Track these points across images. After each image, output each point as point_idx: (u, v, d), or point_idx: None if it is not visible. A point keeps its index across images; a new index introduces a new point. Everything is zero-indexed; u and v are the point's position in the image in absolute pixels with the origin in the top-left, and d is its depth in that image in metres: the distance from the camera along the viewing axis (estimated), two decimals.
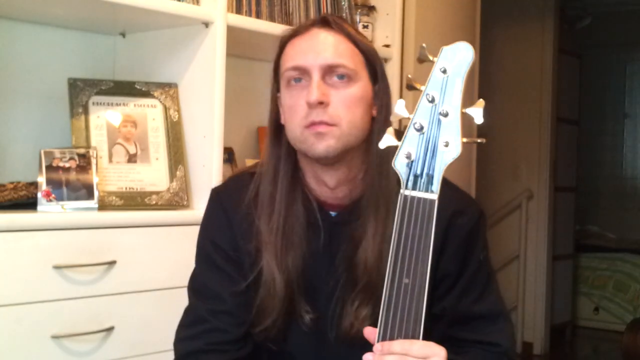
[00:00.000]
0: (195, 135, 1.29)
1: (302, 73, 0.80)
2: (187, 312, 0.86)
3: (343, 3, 1.60)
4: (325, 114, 0.78)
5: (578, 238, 3.62)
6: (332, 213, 0.84)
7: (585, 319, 3.52)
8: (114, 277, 1.09)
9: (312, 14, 1.52)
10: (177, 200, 1.25)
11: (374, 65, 0.83)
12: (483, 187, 2.75)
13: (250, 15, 1.38)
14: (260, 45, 1.50)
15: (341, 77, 0.79)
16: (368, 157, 0.82)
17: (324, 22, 0.83)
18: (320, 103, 0.77)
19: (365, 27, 1.65)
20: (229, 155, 1.46)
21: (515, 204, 3.20)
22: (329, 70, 0.79)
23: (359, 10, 1.65)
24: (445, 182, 0.65)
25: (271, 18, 1.42)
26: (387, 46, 1.68)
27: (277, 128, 0.85)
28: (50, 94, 1.30)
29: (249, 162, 1.52)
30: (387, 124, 0.78)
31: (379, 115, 0.82)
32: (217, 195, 0.89)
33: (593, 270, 3.57)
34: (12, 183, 1.13)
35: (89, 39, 1.38)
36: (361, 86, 0.81)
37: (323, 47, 0.80)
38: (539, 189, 3.17)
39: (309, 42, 0.81)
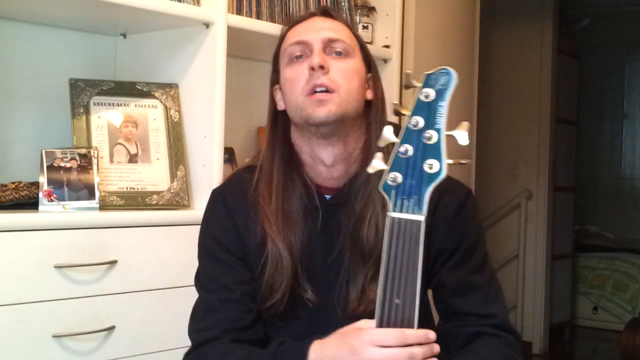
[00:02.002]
0: (195, 135, 1.30)
1: (303, 48, 0.85)
2: (198, 304, 0.88)
3: (343, 4, 1.60)
4: (326, 78, 0.82)
5: (577, 238, 3.63)
6: (327, 196, 0.87)
7: (584, 318, 3.53)
8: (115, 277, 1.09)
9: None
10: (178, 200, 1.26)
11: (368, 55, 0.90)
12: (482, 187, 2.76)
13: (250, 16, 1.38)
14: (260, 46, 1.50)
15: (339, 53, 0.85)
16: (364, 134, 0.86)
17: (324, 11, 0.90)
18: (321, 67, 0.82)
19: (365, 27, 1.65)
20: (229, 156, 1.47)
21: (515, 203, 3.20)
22: (328, 44, 0.85)
23: (359, 11, 1.65)
24: None
25: (271, 19, 1.42)
26: (387, 47, 1.69)
27: (274, 115, 0.89)
28: (51, 94, 1.30)
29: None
30: (383, 110, 0.86)
31: (374, 100, 0.87)
32: (219, 192, 0.91)
33: (592, 269, 3.58)
34: (13, 183, 1.14)
35: (90, 40, 1.38)
36: (357, 62, 0.86)
37: (323, 26, 0.87)
38: (538, 189, 3.18)
39: (310, 24, 0.88)
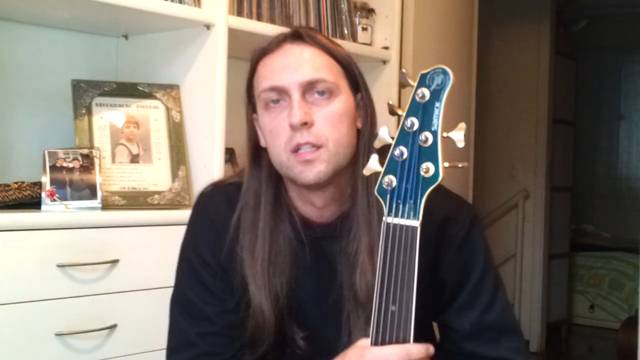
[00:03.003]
0: (197, 136, 1.31)
1: (280, 93, 0.75)
2: (174, 333, 0.82)
3: (342, 5, 1.61)
4: (310, 134, 0.73)
5: (574, 237, 3.64)
6: (317, 229, 0.81)
7: (581, 316, 3.55)
8: (116, 276, 1.10)
9: (312, 16, 1.53)
10: (179, 200, 1.27)
11: (354, 75, 0.79)
12: (480, 187, 2.78)
13: (251, 18, 1.39)
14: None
15: (322, 93, 0.75)
16: (355, 171, 0.78)
17: (296, 35, 0.77)
18: (304, 124, 0.73)
19: (364, 29, 1.66)
20: (230, 156, 1.47)
21: (512, 203, 3.22)
22: (308, 87, 0.74)
23: (358, 13, 1.66)
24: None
25: (272, 20, 1.43)
26: (386, 48, 1.70)
27: (256, 151, 0.81)
28: (54, 95, 1.31)
29: None
30: (374, 135, 0.75)
31: (364, 127, 0.78)
32: (204, 205, 0.84)
33: (588, 268, 3.60)
34: (16, 183, 1.14)
35: (92, 41, 1.39)
36: (343, 100, 0.76)
37: (299, 63, 0.75)
38: (535, 188, 3.20)
39: (283, 59, 0.76)
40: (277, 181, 0.80)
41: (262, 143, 0.81)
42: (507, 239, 3.19)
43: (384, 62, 1.68)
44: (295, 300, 0.79)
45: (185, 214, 1.25)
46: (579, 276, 3.60)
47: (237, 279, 0.79)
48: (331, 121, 0.75)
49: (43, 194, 1.11)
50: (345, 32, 1.61)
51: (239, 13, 1.37)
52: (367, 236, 0.76)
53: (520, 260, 3.18)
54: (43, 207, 1.11)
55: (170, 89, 1.33)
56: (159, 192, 1.25)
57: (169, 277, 1.17)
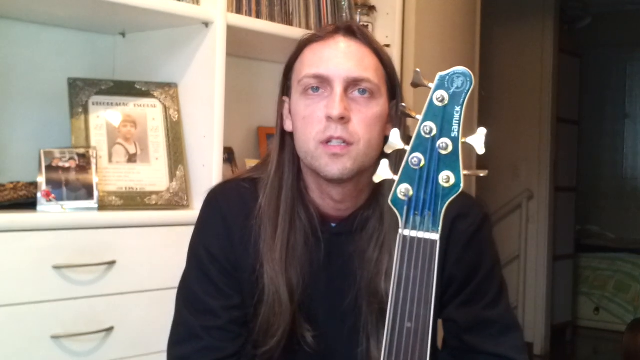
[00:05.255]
0: (195, 135, 1.29)
1: (322, 82, 0.75)
2: (178, 325, 0.83)
3: (343, 3, 1.59)
4: (345, 130, 0.73)
5: (578, 238, 3.62)
6: (332, 224, 0.81)
7: (586, 319, 3.52)
8: (113, 277, 1.09)
9: (312, 14, 1.52)
10: (177, 200, 1.25)
11: (394, 82, 0.80)
12: (483, 187, 2.75)
13: (250, 15, 1.38)
14: (260, 45, 1.49)
15: (363, 91, 0.75)
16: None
17: (349, 30, 0.77)
18: (342, 118, 0.73)
19: (365, 27, 1.65)
20: (228, 155, 1.46)
21: (516, 204, 3.20)
22: (352, 83, 0.75)
23: (359, 10, 1.64)
24: None
25: (271, 18, 1.42)
26: (387, 46, 1.68)
27: (282, 137, 0.81)
28: (50, 93, 1.30)
29: (249, 163, 1.52)
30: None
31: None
32: (216, 200, 0.84)
33: (593, 270, 3.57)
34: (11, 183, 1.13)
35: (89, 39, 1.37)
36: (381, 103, 0.77)
37: (348, 57, 0.75)
38: (539, 189, 3.18)
39: (333, 50, 0.76)
40: (297, 171, 0.80)
41: (287, 127, 0.80)
42: (511, 240, 3.16)
43: None
44: (308, 296, 0.78)
45: (183, 215, 1.25)
46: (583, 278, 3.57)
47: (247, 275, 0.79)
48: (367, 122, 0.75)
49: (39, 194, 1.10)
50: None
51: (238, 10, 1.36)
52: (393, 234, 0.74)
53: (524, 262, 3.16)
54: (39, 207, 1.10)
55: (168, 88, 1.32)
56: (156, 192, 1.23)
57: (167, 278, 1.16)
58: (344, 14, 1.60)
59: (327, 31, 0.78)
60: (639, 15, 3.87)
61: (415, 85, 0.62)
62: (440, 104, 0.61)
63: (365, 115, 0.75)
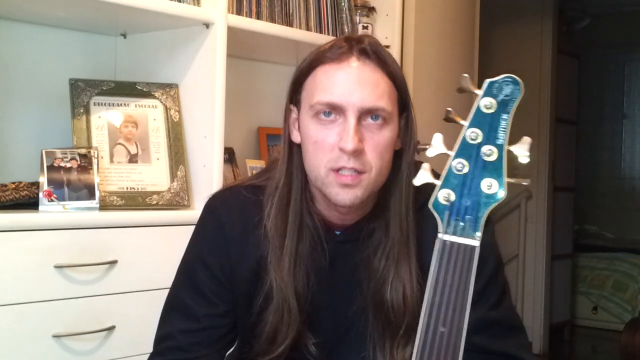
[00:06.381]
0: (196, 135, 1.30)
1: (335, 109, 0.73)
2: (158, 328, 0.84)
3: (343, 4, 1.60)
4: (357, 161, 0.72)
5: (577, 238, 3.63)
6: (337, 232, 0.81)
7: (584, 318, 3.53)
8: (114, 277, 1.09)
9: (312, 15, 1.52)
10: (178, 200, 1.26)
11: (405, 95, 0.78)
12: None
13: (250, 16, 1.38)
14: (260, 46, 1.50)
15: (376, 117, 0.73)
16: (387, 185, 0.77)
17: (363, 52, 0.74)
18: (355, 151, 0.72)
19: (364, 27, 1.65)
20: (229, 156, 1.47)
21: (514, 203, 3.20)
22: (366, 112, 0.73)
23: (359, 11, 1.65)
24: None
25: (271, 19, 1.42)
26: (387, 47, 1.68)
27: (290, 147, 0.79)
28: (51, 94, 1.30)
29: (250, 163, 1.52)
30: (413, 151, 0.76)
31: (405, 146, 0.77)
32: (215, 208, 0.83)
33: (592, 269, 3.58)
34: (13, 183, 1.14)
35: (90, 40, 1.38)
36: (393, 128, 0.75)
37: (362, 85, 0.73)
38: (538, 189, 3.18)
39: (347, 76, 0.73)
40: (304, 181, 0.79)
41: (295, 139, 0.79)
42: (510, 240, 3.17)
43: None
44: (313, 305, 0.78)
45: (184, 215, 1.25)
46: (582, 277, 3.58)
47: (244, 285, 0.79)
48: (379, 150, 0.74)
49: (40, 194, 1.10)
50: (346, 30, 1.60)
51: (239, 11, 1.36)
52: (404, 249, 0.75)
53: (523, 261, 3.17)
54: (40, 207, 1.10)
55: (169, 88, 1.32)
56: (157, 193, 1.24)
57: (168, 278, 1.16)
58: (344, 15, 1.60)
59: (340, 51, 0.75)
60: (637, 16, 3.88)
61: (461, 90, 0.62)
62: (487, 111, 0.60)
63: (378, 143, 0.74)
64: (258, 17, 1.39)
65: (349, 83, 0.73)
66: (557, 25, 3.19)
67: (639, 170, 4.19)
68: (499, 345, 0.78)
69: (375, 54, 0.75)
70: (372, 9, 1.68)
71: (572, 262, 3.51)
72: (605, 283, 3.51)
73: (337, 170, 0.73)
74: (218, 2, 1.27)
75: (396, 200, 0.77)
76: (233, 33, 1.30)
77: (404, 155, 0.78)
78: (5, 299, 0.98)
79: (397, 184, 0.77)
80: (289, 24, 1.46)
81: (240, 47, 1.43)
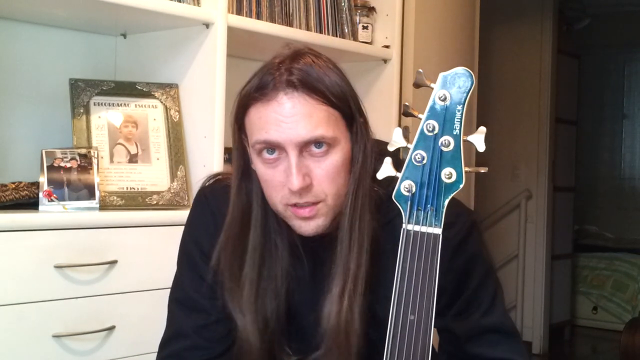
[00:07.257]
0: (196, 135, 1.30)
1: (275, 146, 0.71)
2: (168, 325, 0.82)
3: (343, 4, 1.60)
4: (308, 194, 0.71)
5: (577, 238, 3.63)
6: (314, 238, 0.77)
7: (584, 318, 3.53)
8: (115, 277, 1.09)
9: (312, 15, 1.52)
10: (178, 200, 1.26)
11: (349, 109, 0.73)
12: (482, 187, 2.76)
13: (250, 16, 1.38)
14: (260, 45, 1.50)
15: (319, 145, 0.70)
16: (350, 191, 0.74)
17: (289, 84, 0.70)
18: (302, 188, 0.70)
19: (364, 27, 1.65)
20: (229, 156, 1.46)
21: (514, 203, 3.21)
22: (305, 144, 0.70)
23: (359, 11, 1.65)
24: None
25: (271, 19, 1.42)
26: (387, 47, 1.69)
27: (246, 169, 0.76)
28: (51, 94, 1.31)
29: None
30: (370, 157, 0.73)
31: (357, 153, 0.74)
32: (205, 198, 0.83)
33: (592, 269, 3.58)
34: (13, 183, 1.14)
35: (90, 40, 1.38)
36: (341, 148, 0.72)
37: (295, 119, 0.69)
38: (538, 189, 3.18)
39: (278, 115, 0.69)
40: (266, 202, 0.76)
41: (253, 165, 0.76)
42: (509, 240, 3.17)
43: (385, 60, 1.67)
44: (291, 315, 0.77)
45: (184, 215, 1.23)
46: (582, 277, 3.58)
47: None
48: (330, 176, 0.72)
49: (40, 194, 1.10)
50: (346, 30, 1.61)
51: (239, 11, 1.36)
52: (347, 260, 0.73)
53: (523, 261, 3.17)
54: (40, 207, 1.10)
55: (169, 88, 1.32)
56: (157, 192, 1.24)
57: (168, 278, 1.16)
58: (344, 15, 1.60)
59: (267, 89, 0.71)
60: (637, 16, 3.88)
61: (417, 85, 0.64)
62: (442, 103, 0.63)
63: (327, 171, 0.71)
64: (258, 17, 1.40)
65: (282, 120, 0.70)
66: (557, 26, 3.19)
67: (639, 170, 4.19)
68: (492, 352, 0.78)
69: (302, 83, 0.70)
70: (372, 9, 1.68)
71: (572, 262, 3.50)
72: (605, 283, 3.51)
73: (293, 205, 0.72)
74: (218, 2, 1.27)
75: (349, 208, 0.73)
76: (233, 33, 1.30)
77: (355, 162, 0.74)
78: (5, 299, 0.98)
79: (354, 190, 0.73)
80: (289, 24, 1.46)
81: (240, 47, 1.43)
